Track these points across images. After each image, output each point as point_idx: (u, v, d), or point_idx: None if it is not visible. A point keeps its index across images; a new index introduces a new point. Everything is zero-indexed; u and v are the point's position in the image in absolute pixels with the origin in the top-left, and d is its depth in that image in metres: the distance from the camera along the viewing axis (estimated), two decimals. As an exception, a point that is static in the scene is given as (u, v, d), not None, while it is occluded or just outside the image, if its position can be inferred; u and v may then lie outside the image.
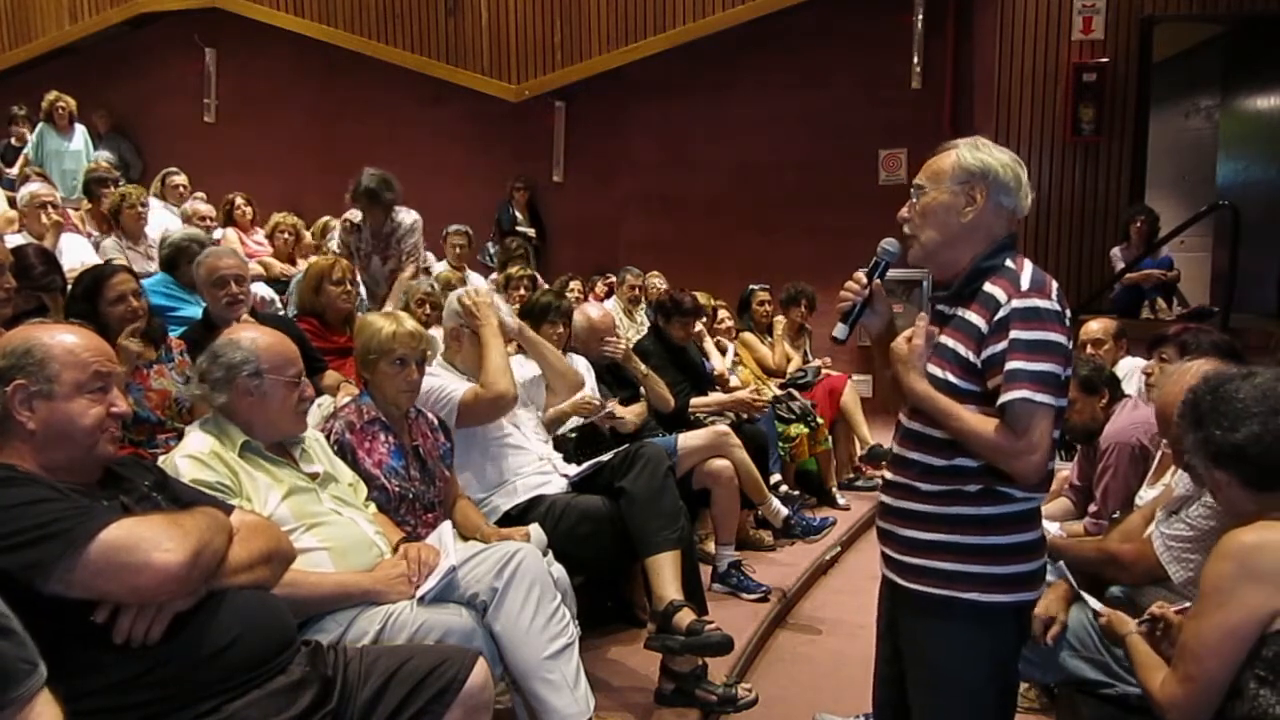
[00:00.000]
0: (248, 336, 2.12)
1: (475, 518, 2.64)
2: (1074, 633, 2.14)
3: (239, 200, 6.18)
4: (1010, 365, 1.66)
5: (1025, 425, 1.64)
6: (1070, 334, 1.72)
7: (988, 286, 1.72)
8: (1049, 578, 2.04)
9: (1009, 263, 1.74)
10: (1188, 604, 1.92)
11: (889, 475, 1.90)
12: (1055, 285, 1.73)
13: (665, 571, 2.65)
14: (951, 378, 1.74)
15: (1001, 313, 1.68)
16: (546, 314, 3.58)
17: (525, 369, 3.44)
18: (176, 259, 3.88)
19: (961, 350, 1.74)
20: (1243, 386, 1.69)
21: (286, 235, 5.88)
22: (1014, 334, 1.66)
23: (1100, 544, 2.32)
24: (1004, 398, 1.66)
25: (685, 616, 2.57)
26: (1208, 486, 1.81)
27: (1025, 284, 1.70)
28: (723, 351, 5.50)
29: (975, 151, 1.76)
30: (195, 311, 3.74)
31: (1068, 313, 1.74)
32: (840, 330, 1.89)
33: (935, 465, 1.77)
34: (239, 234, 5.98)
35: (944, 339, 1.78)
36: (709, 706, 2.68)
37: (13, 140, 7.66)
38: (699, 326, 5.13)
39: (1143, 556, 2.19)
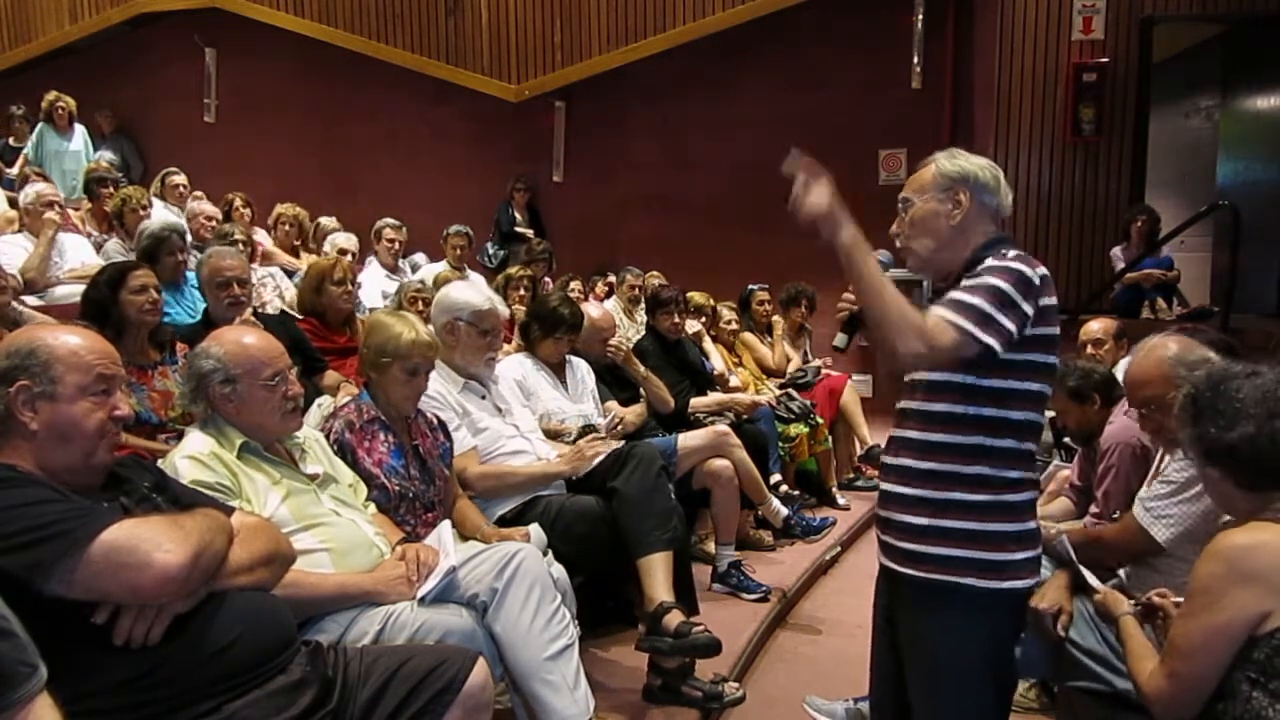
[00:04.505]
0: (217, 343, 2.08)
1: (475, 517, 2.65)
2: (1073, 626, 2.15)
3: (238, 200, 6.19)
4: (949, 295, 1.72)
5: (934, 332, 1.66)
6: (1034, 302, 1.72)
7: (981, 267, 1.78)
8: (1060, 540, 2.07)
9: (1005, 250, 1.80)
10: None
11: (887, 459, 1.92)
12: (1044, 269, 1.76)
13: (657, 573, 2.65)
14: None
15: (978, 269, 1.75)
16: (556, 327, 3.45)
17: (528, 371, 3.45)
18: (155, 250, 3.83)
19: None
20: (1244, 385, 1.69)
21: (288, 227, 5.87)
22: (965, 280, 1.73)
23: (1085, 530, 2.34)
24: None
25: (674, 618, 2.58)
26: (1202, 482, 1.82)
27: (1010, 254, 1.76)
28: (729, 347, 5.50)
29: (953, 160, 1.86)
30: (179, 314, 3.75)
31: (1051, 298, 1.75)
32: (840, 339, 1.95)
33: (931, 440, 1.80)
34: (240, 234, 5.99)
35: None
36: (695, 703, 2.70)
37: (10, 140, 7.65)
38: (698, 326, 5.14)
39: (1125, 529, 2.22)
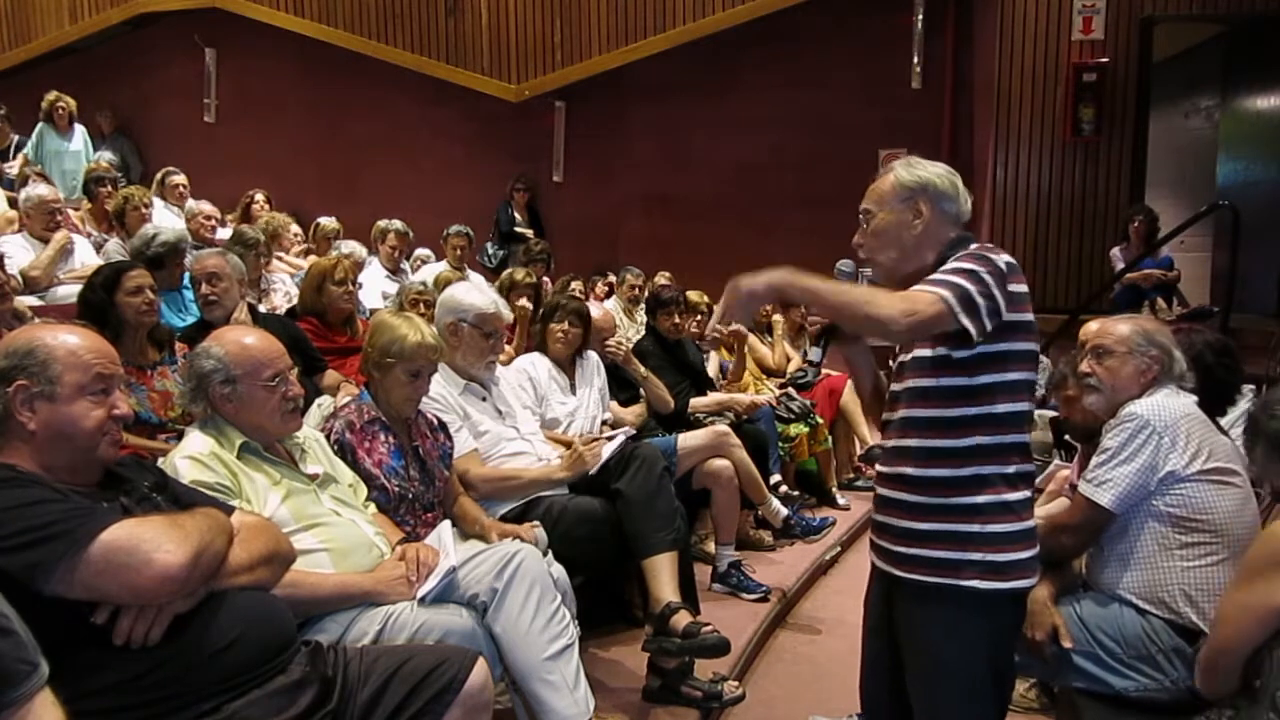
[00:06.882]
0: (217, 343, 2.08)
1: (475, 512, 2.64)
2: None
3: (259, 197, 6.22)
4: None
5: (914, 299, 1.66)
6: (1005, 289, 1.70)
7: (949, 264, 1.78)
8: None
9: (972, 246, 1.81)
10: None
11: (882, 468, 1.93)
12: (1009, 257, 1.76)
13: (662, 573, 2.65)
14: (924, 351, 1.80)
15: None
16: (555, 312, 3.61)
17: (534, 369, 3.45)
18: (164, 259, 3.85)
19: None
20: None
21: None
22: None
23: (1043, 521, 2.36)
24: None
25: (682, 619, 2.58)
26: None
27: (974, 246, 1.78)
28: (729, 348, 5.49)
29: (910, 169, 1.86)
30: (173, 317, 3.77)
31: (1021, 285, 1.74)
32: (814, 353, 2.00)
33: (925, 446, 1.81)
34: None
35: None
36: (695, 702, 2.70)
37: None
38: (697, 326, 5.13)
39: (1075, 508, 2.25)
